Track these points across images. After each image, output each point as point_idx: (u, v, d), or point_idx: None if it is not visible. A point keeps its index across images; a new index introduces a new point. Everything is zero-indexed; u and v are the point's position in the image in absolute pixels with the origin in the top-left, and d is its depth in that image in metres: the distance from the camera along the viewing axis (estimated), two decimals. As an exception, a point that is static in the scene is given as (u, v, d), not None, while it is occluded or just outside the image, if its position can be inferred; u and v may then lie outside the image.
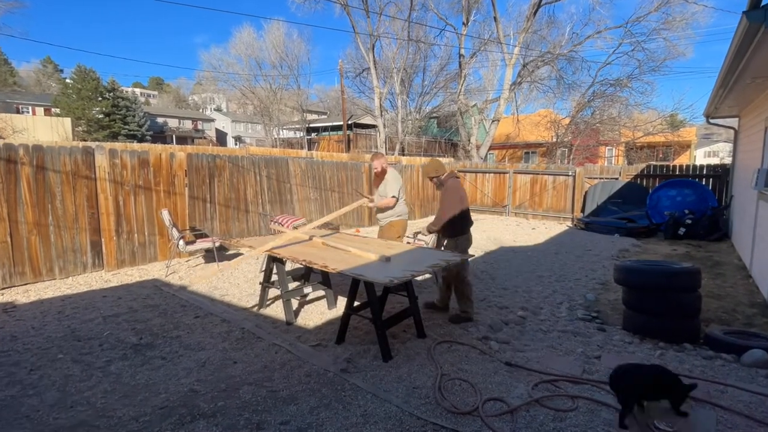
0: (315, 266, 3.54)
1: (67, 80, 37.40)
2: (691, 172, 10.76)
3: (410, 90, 26.55)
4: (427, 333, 3.74)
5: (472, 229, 4.32)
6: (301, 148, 28.61)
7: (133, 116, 37.37)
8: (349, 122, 27.20)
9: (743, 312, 4.46)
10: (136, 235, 6.27)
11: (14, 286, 5.16)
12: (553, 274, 6.16)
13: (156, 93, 70.91)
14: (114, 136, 34.37)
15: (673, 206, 9.92)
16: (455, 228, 4.18)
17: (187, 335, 3.77)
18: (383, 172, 4.92)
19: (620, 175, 11.48)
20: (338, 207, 9.96)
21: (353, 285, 3.52)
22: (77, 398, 2.75)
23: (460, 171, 14.15)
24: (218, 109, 58.57)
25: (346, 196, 10.14)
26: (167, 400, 2.71)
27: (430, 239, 5.48)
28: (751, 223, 6.12)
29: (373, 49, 21.75)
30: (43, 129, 24.96)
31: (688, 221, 9.21)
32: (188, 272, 6.01)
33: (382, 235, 4.99)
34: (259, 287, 4.81)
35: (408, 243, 4.65)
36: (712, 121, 9.50)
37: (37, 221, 5.35)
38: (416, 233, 4.82)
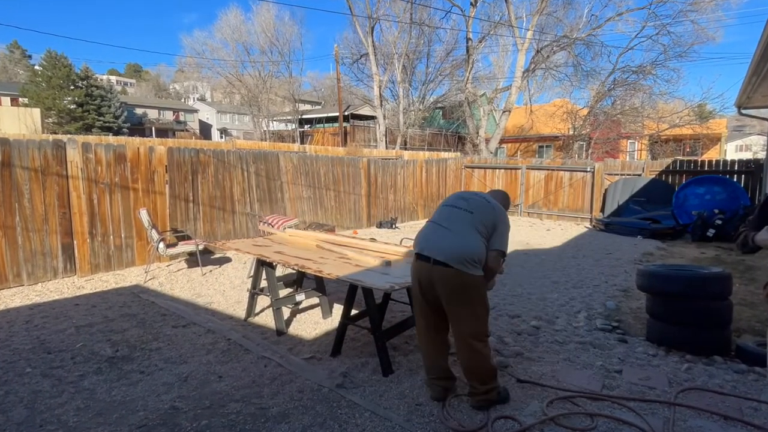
0: (308, 271, 3.55)
1: (36, 67, 37.40)
2: (721, 168, 10.77)
3: (413, 78, 26.58)
4: (431, 344, 3.74)
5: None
6: (293, 141, 28.64)
7: (109, 106, 37.38)
8: (346, 113, 27.22)
9: (779, 321, 4.46)
10: (111, 237, 6.27)
11: (-22, 293, 5.16)
12: (569, 279, 6.17)
13: (133, 81, 70.97)
14: (87, 129, 34.39)
15: (702, 205, 9.93)
16: None
17: (167, 347, 3.77)
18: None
19: (643, 171, 11.49)
20: (334, 206, 9.99)
21: (350, 292, 3.52)
22: (47, 416, 2.75)
23: (467, 166, 14.17)
24: (202, 99, 58.57)
25: (342, 195, 10.15)
26: (146, 419, 2.72)
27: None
28: (787, 224, 6.11)
29: (372, 32, 21.77)
30: (9, 120, 24.97)
31: (718, 222, 9.20)
32: (169, 278, 6.01)
33: None
34: (246, 294, 4.82)
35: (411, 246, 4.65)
36: (744, 111, 9.50)
37: (2, 222, 5.35)
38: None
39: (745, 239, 2.46)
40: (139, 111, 45.47)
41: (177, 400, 2.93)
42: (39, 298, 5.12)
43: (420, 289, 2.77)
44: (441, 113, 30.18)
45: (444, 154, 16.18)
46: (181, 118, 49.81)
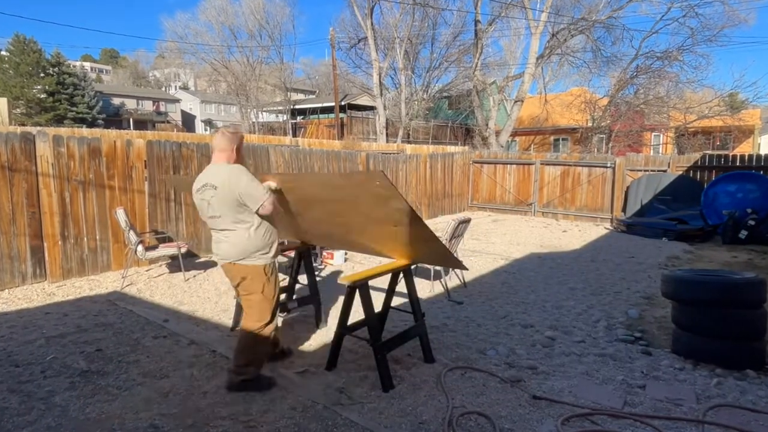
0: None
1: (3, 53, 37.46)
2: (754, 163, 10.75)
3: (416, 64, 26.59)
4: (436, 357, 3.75)
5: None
6: (285, 134, 28.66)
7: (82, 96, 37.51)
8: (342, 103, 27.24)
9: (817, 332, 4.46)
10: (85, 239, 6.27)
11: (-61, 301, 5.16)
12: (588, 285, 6.17)
13: (110, 68, 71.07)
14: (59, 120, 34.48)
15: (733, 204, 9.92)
16: None
17: (147, 360, 3.77)
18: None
19: (669, 166, 11.48)
20: (329, 205, 9.97)
21: (347, 298, 3.52)
22: (15, 436, 2.75)
23: (475, 162, 14.18)
24: (184, 88, 58.66)
25: (338, 192, 10.14)
26: (123, 438, 2.72)
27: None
28: (826, 225, 6.12)
29: (372, 14, 21.81)
30: (-27, 111, 24.98)
31: (751, 222, 9.21)
32: (148, 284, 6.02)
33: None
34: (233, 302, 4.81)
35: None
36: (779, 101, 9.49)
37: (-34, 222, 5.36)
38: None
39: None
40: (115, 101, 45.55)
41: (157, 417, 2.93)
42: (5, 305, 5.12)
43: None
44: (447, 103, 30.19)
45: (450, 148, 16.20)
46: (162, 109, 49.90)
